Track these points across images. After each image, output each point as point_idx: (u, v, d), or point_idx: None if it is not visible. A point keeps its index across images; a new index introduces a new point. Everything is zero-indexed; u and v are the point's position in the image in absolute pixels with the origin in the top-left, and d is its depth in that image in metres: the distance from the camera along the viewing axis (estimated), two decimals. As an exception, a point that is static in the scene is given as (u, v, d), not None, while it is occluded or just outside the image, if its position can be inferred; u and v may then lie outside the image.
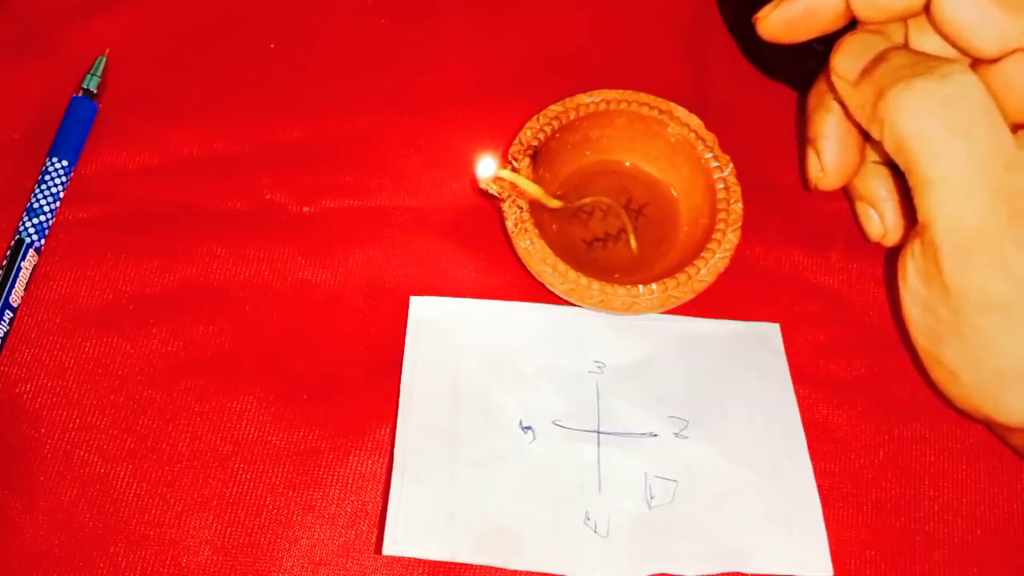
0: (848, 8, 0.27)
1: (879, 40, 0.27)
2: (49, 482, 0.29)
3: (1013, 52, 0.24)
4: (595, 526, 0.29)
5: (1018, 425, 0.27)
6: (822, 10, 0.27)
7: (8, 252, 0.32)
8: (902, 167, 0.24)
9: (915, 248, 0.25)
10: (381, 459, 0.30)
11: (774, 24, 0.28)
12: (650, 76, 0.36)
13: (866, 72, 0.25)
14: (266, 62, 0.38)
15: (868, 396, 0.32)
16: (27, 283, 0.32)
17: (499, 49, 0.39)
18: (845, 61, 0.26)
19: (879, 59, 0.25)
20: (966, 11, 0.24)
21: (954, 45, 0.25)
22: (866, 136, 0.28)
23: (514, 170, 0.31)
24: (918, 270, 0.25)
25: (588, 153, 0.34)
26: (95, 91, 0.36)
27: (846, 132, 0.29)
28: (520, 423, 0.30)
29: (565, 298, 0.31)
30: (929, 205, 0.24)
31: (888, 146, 0.24)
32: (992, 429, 0.30)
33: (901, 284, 0.26)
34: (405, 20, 0.39)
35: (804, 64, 0.34)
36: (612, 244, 0.33)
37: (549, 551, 0.28)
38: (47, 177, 0.34)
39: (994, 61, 0.25)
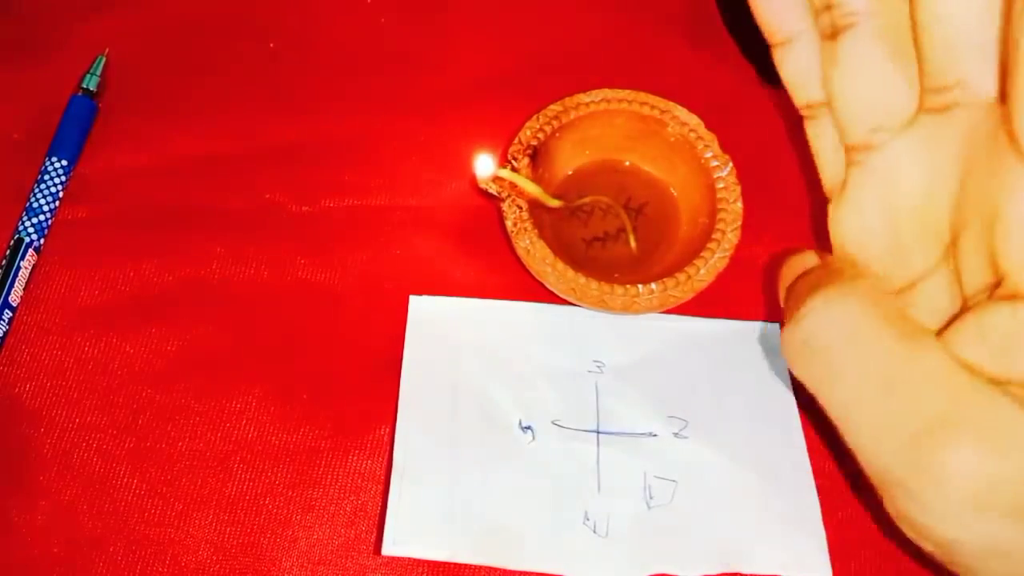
0: None
1: (807, 259, 0.24)
2: (49, 482, 0.29)
3: None
4: (594, 526, 0.29)
5: None
6: None
7: (8, 251, 0.32)
8: None
9: None
10: (381, 459, 0.30)
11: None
12: (650, 76, 0.36)
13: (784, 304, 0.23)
14: (266, 62, 0.38)
15: (868, 396, 0.32)
16: (27, 283, 0.32)
17: (499, 49, 0.39)
18: (783, 287, 0.24)
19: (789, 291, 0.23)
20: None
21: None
22: None
23: (514, 169, 0.31)
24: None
25: (588, 152, 0.34)
26: (95, 91, 0.36)
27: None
28: (520, 423, 0.30)
29: (565, 298, 0.31)
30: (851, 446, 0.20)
31: None
32: None
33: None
34: (404, 20, 0.39)
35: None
36: (611, 243, 0.33)
37: (548, 551, 0.28)
38: (46, 176, 0.34)
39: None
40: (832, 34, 0.23)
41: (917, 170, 0.22)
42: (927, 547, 0.20)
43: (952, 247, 0.22)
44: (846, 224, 0.24)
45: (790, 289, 0.23)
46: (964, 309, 0.21)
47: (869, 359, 0.19)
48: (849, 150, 0.24)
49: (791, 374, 0.32)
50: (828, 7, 0.23)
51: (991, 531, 0.18)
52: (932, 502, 0.18)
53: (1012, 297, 0.19)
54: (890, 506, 0.20)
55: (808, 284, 0.22)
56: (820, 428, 0.31)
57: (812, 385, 0.21)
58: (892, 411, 0.19)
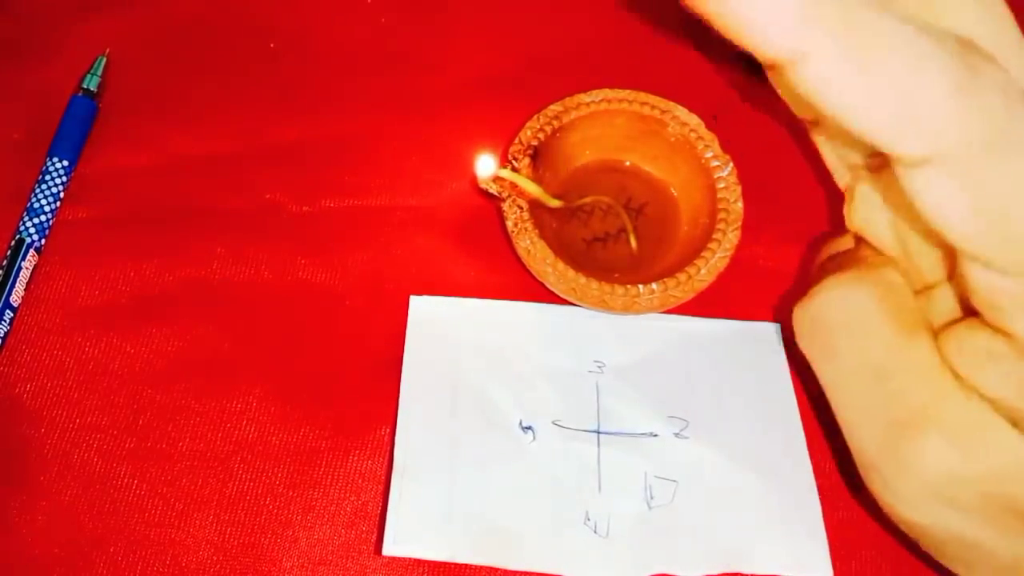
0: None
1: (843, 241, 0.25)
2: (49, 482, 0.29)
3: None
4: (595, 526, 0.29)
5: None
6: None
7: (8, 252, 0.32)
8: None
9: None
10: (381, 459, 0.30)
11: None
12: (650, 76, 0.36)
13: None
14: (266, 62, 0.38)
15: (868, 396, 0.32)
16: (27, 283, 0.32)
17: (499, 48, 0.39)
18: (817, 265, 0.25)
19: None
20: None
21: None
22: None
23: (514, 169, 0.31)
24: None
25: (588, 152, 0.34)
26: (95, 91, 0.36)
27: None
28: (520, 423, 0.30)
29: (565, 298, 0.31)
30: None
31: None
32: None
33: None
34: (404, 20, 0.39)
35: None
36: (612, 243, 0.33)
37: (549, 551, 0.28)
38: (47, 177, 0.34)
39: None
40: None
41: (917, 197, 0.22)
42: (900, 525, 0.21)
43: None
44: (859, 224, 0.24)
45: (819, 266, 0.23)
46: (959, 318, 0.21)
47: (865, 347, 0.20)
48: (851, 167, 0.24)
49: (792, 370, 0.32)
50: None
51: (951, 522, 0.19)
52: (900, 488, 0.19)
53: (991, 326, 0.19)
54: (868, 484, 0.21)
55: (833, 265, 0.22)
56: (822, 422, 0.31)
57: (811, 359, 0.21)
58: (878, 397, 0.20)
